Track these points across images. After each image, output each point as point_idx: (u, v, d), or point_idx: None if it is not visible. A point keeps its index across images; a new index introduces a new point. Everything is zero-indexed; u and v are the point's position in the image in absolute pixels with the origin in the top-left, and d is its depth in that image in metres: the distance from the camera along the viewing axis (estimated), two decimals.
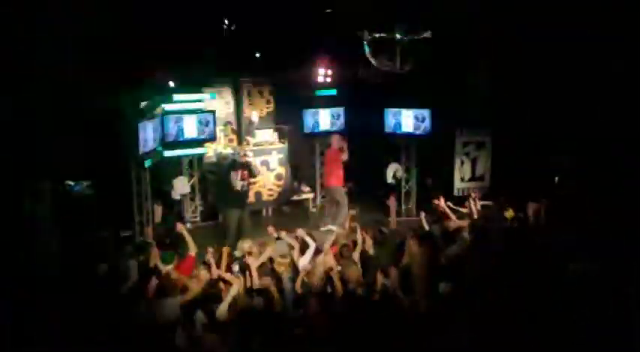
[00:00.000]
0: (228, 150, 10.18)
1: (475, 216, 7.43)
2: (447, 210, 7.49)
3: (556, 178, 9.94)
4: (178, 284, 5.39)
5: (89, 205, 8.40)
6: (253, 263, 5.97)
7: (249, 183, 8.83)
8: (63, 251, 7.14)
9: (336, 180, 9.56)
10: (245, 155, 8.78)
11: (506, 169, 9.96)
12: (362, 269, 5.92)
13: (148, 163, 8.50)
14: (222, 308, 4.96)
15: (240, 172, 8.46)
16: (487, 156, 10.22)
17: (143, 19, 8.80)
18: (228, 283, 5.43)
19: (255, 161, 9.60)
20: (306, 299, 5.32)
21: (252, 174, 8.73)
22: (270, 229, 6.86)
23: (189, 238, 6.43)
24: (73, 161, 8.41)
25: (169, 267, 5.95)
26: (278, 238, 6.65)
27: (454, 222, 7.19)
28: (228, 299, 5.02)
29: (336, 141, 9.71)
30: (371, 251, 6.50)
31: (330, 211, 9.67)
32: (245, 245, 6.53)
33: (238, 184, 8.40)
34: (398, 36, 9.87)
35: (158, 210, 9.56)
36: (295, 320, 5.09)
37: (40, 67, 7.55)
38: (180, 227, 6.72)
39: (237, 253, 6.53)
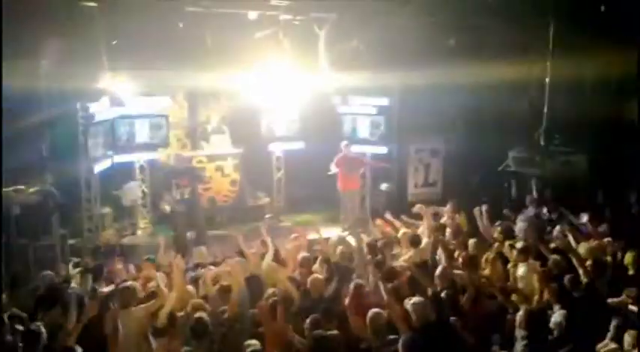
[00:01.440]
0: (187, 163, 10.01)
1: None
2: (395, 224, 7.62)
3: (505, 185, 10.27)
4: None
5: (36, 212, 8.09)
6: (209, 273, 5.87)
7: (196, 190, 8.77)
8: (8, 259, 6.87)
9: (355, 183, 9.97)
10: (182, 159, 8.91)
11: (458, 175, 10.18)
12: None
13: (97, 168, 8.27)
14: (161, 317, 4.90)
15: (180, 181, 8.47)
16: (440, 163, 10.42)
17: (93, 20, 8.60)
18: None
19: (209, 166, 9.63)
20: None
21: (195, 178, 8.76)
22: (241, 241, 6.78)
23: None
24: (20, 166, 8.10)
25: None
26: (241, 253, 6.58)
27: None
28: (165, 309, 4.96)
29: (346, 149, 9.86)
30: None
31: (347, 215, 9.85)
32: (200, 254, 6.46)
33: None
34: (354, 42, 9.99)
35: (108, 217, 9.31)
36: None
37: None
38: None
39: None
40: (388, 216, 7.93)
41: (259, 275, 5.98)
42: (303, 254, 6.48)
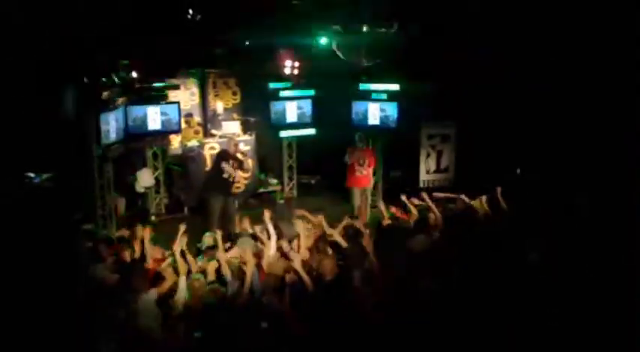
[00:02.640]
0: (194, 142, 10.08)
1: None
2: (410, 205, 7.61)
3: (518, 170, 10.19)
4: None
5: (49, 198, 8.19)
6: (222, 256, 5.91)
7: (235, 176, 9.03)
8: (22, 244, 6.97)
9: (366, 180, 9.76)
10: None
11: (470, 161, 10.12)
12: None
13: (110, 155, 8.34)
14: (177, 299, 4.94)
15: (232, 163, 8.71)
16: (452, 149, 10.36)
17: (107, 8, 8.61)
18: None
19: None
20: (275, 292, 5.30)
21: (241, 167, 9.00)
22: (245, 224, 6.83)
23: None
24: (33, 153, 8.20)
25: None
26: (253, 236, 6.61)
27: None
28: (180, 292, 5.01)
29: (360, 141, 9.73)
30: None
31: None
32: (210, 239, 6.50)
33: (227, 173, 8.65)
34: (365, 28, 9.91)
35: (122, 203, 9.40)
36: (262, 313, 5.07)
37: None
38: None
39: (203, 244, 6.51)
40: (404, 198, 7.91)
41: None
42: (312, 238, 6.53)
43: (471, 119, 10.34)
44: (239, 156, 9.00)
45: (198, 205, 9.47)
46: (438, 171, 10.35)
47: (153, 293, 5.10)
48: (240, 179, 10.34)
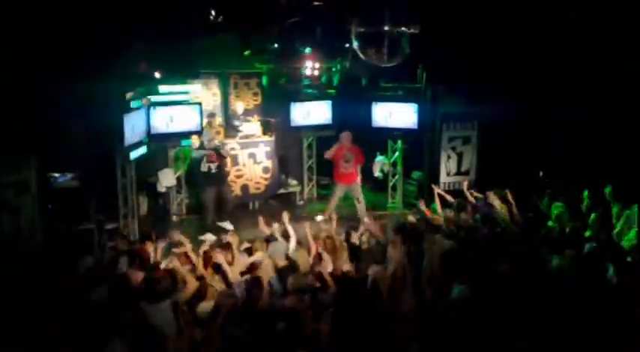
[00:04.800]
0: (215, 142, 10.15)
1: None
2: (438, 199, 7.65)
3: (540, 173, 10.07)
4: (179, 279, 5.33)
5: (73, 197, 8.32)
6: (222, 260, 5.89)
7: (222, 165, 9.41)
8: (46, 243, 7.10)
9: (351, 177, 9.72)
10: (211, 140, 9.42)
11: (492, 164, 10.02)
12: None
13: (133, 155, 8.44)
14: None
15: (209, 155, 9.12)
16: (473, 151, 10.27)
17: (129, 9, 8.71)
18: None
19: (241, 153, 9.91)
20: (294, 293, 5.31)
21: (220, 155, 9.28)
22: (262, 225, 6.88)
23: (185, 240, 6.36)
24: (58, 153, 8.33)
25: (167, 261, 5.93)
26: (268, 239, 6.64)
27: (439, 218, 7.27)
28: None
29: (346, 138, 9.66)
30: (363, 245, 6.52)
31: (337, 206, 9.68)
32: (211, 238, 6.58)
33: (205, 166, 9.07)
34: (386, 29, 9.88)
35: (144, 203, 9.50)
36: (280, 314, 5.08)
37: (17, 57, 7.47)
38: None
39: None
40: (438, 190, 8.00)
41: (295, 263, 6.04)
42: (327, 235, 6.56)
43: (493, 120, 10.24)
44: (220, 148, 9.35)
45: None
46: (458, 173, 10.27)
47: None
48: (260, 180, 10.40)
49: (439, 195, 8.15)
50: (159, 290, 4.94)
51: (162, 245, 6.37)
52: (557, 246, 6.09)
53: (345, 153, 9.61)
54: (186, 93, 9.58)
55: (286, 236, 6.68)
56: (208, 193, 9.19)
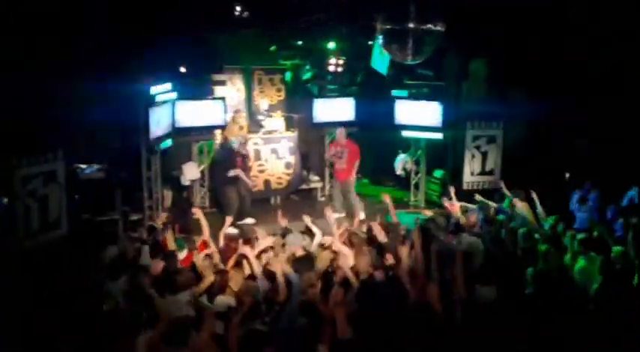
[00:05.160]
0: (237, 138, 10.21)
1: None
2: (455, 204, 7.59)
3: (567, 175, 9.92)
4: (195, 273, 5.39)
5: (99, 188, 8.45)
6: (250, 252, 5.93)
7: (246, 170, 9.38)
8: (72, 232, 7.23)
9: (341, 174, 9.67)
10: (244, 144, 9.43)
11: (516, 164, 9.90)
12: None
13: (158, 148, 8.54)
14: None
15: (236, 162, 9.09)
16: (497, 151, 10.15)
17: (155, 5, 8.81)
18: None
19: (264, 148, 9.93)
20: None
21: (245, 162, 9.32)
22: (280, 218, 6.91)
23: (204, 222, 6.43)
24: (85, 144, 8.48)
25: (184, 253, 5.98)
26: (284, 233, 6.67)
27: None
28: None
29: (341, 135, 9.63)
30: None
31: (341, 203, 9.65)
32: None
33: (232, 173, 9.01)
34: (411, 26, 9.81)
35: (168, 195, 9.60)
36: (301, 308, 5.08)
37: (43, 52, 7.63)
38: (196, 211, 6.74)
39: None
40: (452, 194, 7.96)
41: (310, 255, 6.06)
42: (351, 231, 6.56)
43: (518, 120, 10.12)
44: (248, 156, 9.47)
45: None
46: (482, 173, 10.16)
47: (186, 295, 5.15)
48: (282, 175, 10.44)
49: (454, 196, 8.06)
50: (177, 282, 5.02)
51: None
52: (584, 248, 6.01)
53: (338, 149, 9.60)
54: (210, 89, 9.62)
55: (310, 233, 6.71)
56: (232, 192, 9.10)
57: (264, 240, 6.36)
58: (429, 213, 7.74)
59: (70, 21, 8.03)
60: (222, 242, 6.44)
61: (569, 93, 9.24)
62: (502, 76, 10.33)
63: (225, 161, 9.13)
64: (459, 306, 4.57)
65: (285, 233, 6.77)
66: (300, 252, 6.14)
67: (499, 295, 4.74)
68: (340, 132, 9.66)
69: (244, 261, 5.81)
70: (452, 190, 8.24)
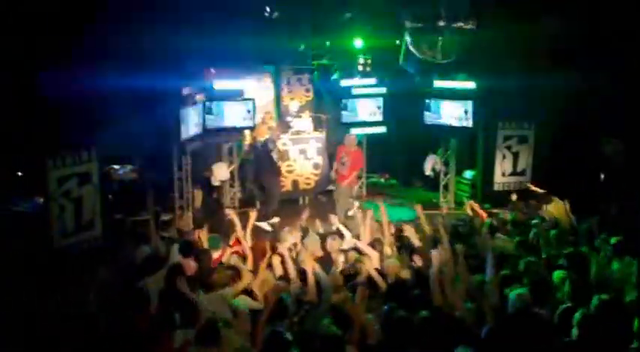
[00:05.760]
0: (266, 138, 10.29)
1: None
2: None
3: (602, 175, 9.68)
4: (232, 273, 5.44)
5: (132, 188, 8.62)
6: (287, 252, 5.96)
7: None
8: (106, 232, 7.38)
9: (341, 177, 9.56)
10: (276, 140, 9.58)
11: (549, 165, 9.73)
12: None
13: (189, 149, 8.65)
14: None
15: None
16: (529, 151, 9.98)
17: (184, 11, 8.92)
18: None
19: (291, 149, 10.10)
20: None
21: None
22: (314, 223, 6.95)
23: (237, 221, 6.47)
24: (118, 145, 8.64)
25: (218, 253, 6.06)
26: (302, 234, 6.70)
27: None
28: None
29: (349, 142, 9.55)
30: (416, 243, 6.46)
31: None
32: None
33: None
34: (441, 24, 9.72)
35: (198, 196, 9.73)
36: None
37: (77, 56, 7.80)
38: (229, 212, 6.82)
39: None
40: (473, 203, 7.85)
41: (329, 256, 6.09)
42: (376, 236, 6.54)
43: (551, 120, 9.92)
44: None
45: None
46: (514, 173, 9.99)
47: (229, 291, 5.20)
48: (310, 176, 10.46)
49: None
50: (213, 280, 5.08)
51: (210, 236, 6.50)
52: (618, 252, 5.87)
53: (342, 155, 9.48)
54: (239, 90, 9.70)
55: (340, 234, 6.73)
56: (274, 186, 9.40)
57: (288, 240, 6.41)
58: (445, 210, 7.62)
59: (106, 21, 8.16)
60: (249, 239, 6.46)
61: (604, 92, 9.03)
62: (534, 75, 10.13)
63: (265, 157, 9.35)
64: (490, 311, 4.49)
65: (303, 234, 6.78)
66: (319, 253, 6.15)
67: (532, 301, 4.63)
68: (348, 139, 9.57)
69: (275, 261, 5.88)
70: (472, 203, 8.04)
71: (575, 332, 4.08)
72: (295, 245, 6.34)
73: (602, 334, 4.00)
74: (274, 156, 9.36)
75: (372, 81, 10.78)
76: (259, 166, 9.64)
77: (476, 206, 7.75)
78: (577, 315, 4.09)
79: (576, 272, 5.29)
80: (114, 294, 5.19)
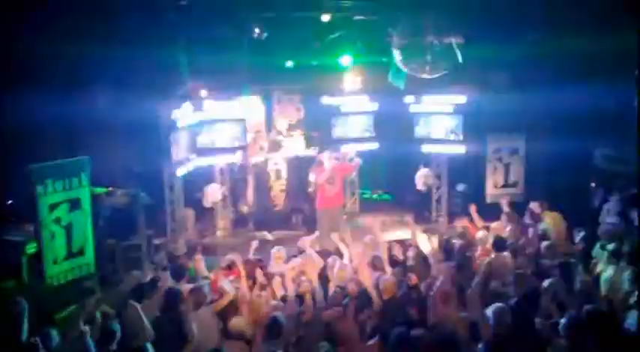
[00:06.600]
0: (258, 158, 10.29)
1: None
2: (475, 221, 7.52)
3: (592, 185, 9.73)
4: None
5: (125, 213, 8.54)
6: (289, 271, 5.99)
7: None
8: (97, 258, 7.31)
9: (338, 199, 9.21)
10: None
11: (541, 176, 9.76)
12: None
13: (180, 172, 8.63)
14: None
15: None
16: (520, 162, 10.01)
17: (173, 29, 8.96)
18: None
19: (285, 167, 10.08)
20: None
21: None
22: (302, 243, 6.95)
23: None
24: (108, 169, 8.60)
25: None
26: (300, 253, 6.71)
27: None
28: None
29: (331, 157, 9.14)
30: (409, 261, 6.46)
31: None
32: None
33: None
34: (429, 40, 9.78)
35: (191, 217, 9.68)
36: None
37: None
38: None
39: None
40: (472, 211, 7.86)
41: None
42: (374, 254, 6.52)
43: (542, 131, 9.97)
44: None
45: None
46: (506, 185, 10.01)
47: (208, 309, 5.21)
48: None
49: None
50: (197, 298, 5.05)
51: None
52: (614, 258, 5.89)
53: (329, 173, 8.85)
54: (231, 109, 9.72)
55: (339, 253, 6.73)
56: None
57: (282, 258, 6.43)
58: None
59: (95, 44, 8.17)
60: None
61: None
62: (523, 86, 10.21)
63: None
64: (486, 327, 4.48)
65: (300, 252, 6.79)
66: (316, 272, 6.17)
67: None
68: (332, 153, 9.18)
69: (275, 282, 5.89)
70: (472, 208, 8.07)
71: (562, 341, 4.22)
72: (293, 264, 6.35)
73: (587, 342, 4.08)
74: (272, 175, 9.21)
75: (363, 98, 10.83)
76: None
77: (475, 215, 7.78)
78: (563, 323, 4.26)
79: (566, 281, 5.35)
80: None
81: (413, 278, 5.83)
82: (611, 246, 6.15)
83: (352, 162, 9.64)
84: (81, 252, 7.00)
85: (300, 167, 10.43)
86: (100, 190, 8.16)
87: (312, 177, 9.27)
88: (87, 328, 4.56)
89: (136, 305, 4.79)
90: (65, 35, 7.65)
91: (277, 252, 6.93)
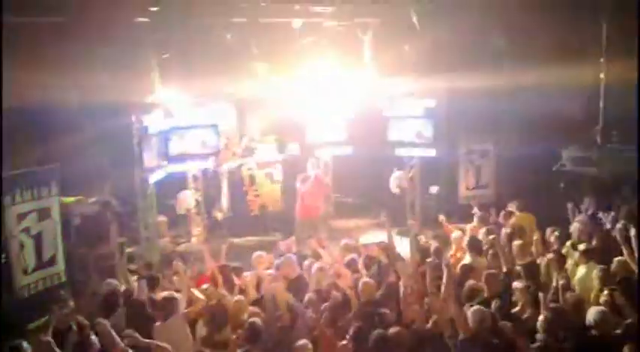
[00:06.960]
0: (230, 164, 10.22)
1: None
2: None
3: (561, 185, 9.96)
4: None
5: (96, 221, 8.40)
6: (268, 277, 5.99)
7: None
8: (69, 267, 7.17)
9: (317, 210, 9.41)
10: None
11: (512, 177, 9.94)
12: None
13: (152, 179, 8.52)
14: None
15: None
16: (491, 164, 10.18)
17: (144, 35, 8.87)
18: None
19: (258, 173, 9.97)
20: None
21: None
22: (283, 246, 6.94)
23: (207, 255, 6.57)
24: (79, 178, 8.45)
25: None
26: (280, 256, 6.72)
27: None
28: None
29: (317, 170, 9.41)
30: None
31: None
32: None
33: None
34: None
35: (163, 225, 9.56)
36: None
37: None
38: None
39: None
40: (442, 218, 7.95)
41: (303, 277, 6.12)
42: (350, 256, 6.56)
43: (511, 133, 10.18)
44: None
45: None
46: (477, 187, 10.17)
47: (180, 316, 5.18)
48: (279, 198, 10.42)
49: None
50: (166, 308, 5.08)
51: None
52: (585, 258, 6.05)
53: (311, 183, 9.17)
54: (202, 117, 9.64)
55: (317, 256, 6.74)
56: None
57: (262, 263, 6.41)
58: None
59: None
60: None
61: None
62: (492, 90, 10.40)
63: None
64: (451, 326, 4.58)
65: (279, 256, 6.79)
66: (293, 275, 6.17)
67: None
68: (314, 165, 9.41)
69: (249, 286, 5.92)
70: (441, 218, 8.15)
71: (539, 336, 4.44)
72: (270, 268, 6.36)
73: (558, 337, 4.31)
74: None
75: (337, 101, 10.86)
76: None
77: (444, 223, 7.89)
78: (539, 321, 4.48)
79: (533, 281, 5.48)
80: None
81: (390, 279, 5.87)
82: (582, 246, 6.31)
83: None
84: (52, 262, 6.87)
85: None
86: (69, 199, 8.02)
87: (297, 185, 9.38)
88: (49, 338, 4.49)
89: (105, 322, 4.69)
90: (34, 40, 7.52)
91: (259, 257, 6.88)
